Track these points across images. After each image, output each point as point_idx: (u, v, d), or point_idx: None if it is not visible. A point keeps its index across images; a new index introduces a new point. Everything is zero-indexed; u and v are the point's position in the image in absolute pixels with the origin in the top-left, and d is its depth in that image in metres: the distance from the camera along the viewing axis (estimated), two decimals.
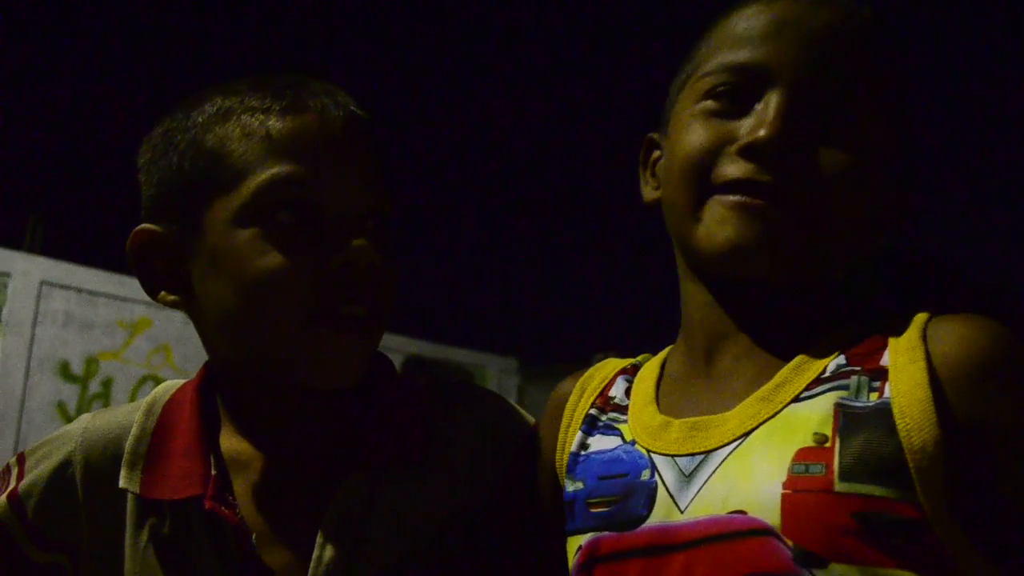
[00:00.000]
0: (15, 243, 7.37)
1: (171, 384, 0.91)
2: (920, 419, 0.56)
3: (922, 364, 0.59)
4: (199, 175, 0.76)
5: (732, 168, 0.65)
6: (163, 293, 0.84)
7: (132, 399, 7.70)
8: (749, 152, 0.64)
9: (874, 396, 0.60)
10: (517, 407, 0.90)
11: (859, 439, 0.58)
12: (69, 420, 7.14)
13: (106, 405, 7.34)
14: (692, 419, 0.66)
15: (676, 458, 0.65)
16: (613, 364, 0.79)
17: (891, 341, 0.62)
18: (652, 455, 0.66)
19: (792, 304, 0.69)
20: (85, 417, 0.88)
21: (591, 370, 0.80)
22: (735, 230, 0.63)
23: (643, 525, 0.63)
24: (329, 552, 0.73)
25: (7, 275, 6.94)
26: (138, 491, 0.79)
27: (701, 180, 0.67)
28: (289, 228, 0.73)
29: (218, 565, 0.75)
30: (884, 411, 0.58)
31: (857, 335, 0.66)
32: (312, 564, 0.73)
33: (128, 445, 0.81)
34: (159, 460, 0.80)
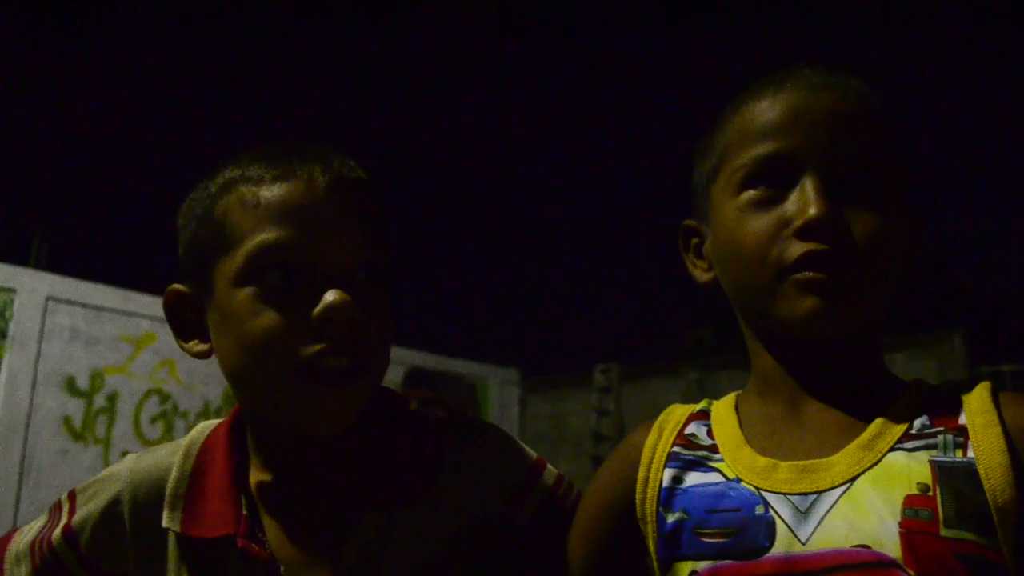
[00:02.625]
0: (21, 259, 7.43)
1: (206, 425, 0.97)
2: (1002, 482, 0.67)
3: (998, 430, 0.70)
4: (209, 241, 0.84)
5: (795, 248, 0.75)
6: (192, 343, 0.92)
7: (137, 413, 7.73)
8: (805, 232, 0.74)
9: (959, 453, 0.71)
10: (520, 442, 0.96)
11: (955, 491, 0.68)
12: (75, 434, 7.17)
13: (111, 419, 7.52)
14: (801, 462, 0.75)
15: (789, 496, 0.73)
16: (681, 409, 0.88)
17: (964, 400, 0.75)
18: (762, 492, 0.74)
19: (859, 354, 0.80)
20: (130, 458, 0.95)
21: (662, 415, 0.88)
22: (813, 302, 0.74)
23: (767, 555, 0.71)
24: None
25: (13, 291, 7.02)
26: (179, 530, 0.85)
27: (768, 264, 0.77)
28: (277, 288, 0.79)
29: None
30: (971, 470, 0.69)
31: (928, 394, 0.79)
32: None
33: (169, 487, 0.88)
34: (196, 500, 0.86)
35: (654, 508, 0.80)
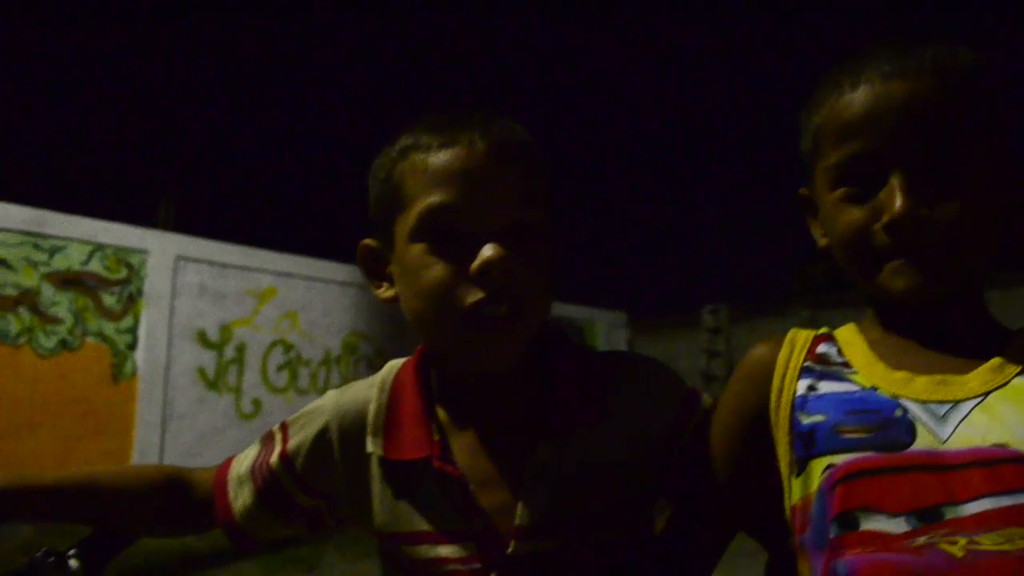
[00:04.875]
0: (150, 221, 7.80)
1: (395, 364, 1.09)
2: None
3: None
4: (388, 201, 0.96)
5: (884, 239, 0.84)
6: (382, 290, 1.03)
7: (264, 363, 8.13)
8: (891, 228, 0.83)
9: None
10: (673, 371, 1.06)
11: None
12: (209, 383, 7.61)
13: (241, 369, 7.95)
14: (937, 376, 0.84)
15: (927, 404, 0.82)
16: (805, 332, 0.97)
17: None
18: (900, 399, 0.83)
19: (966, 306, 0.89)
20: (332, 393, 1.07)
21: (789, 334, 0.96)
22: (905, 282, 0.83)
23: (909, 449, 0.80)
24: (531, 499, 0.91)
25: (146, 252, 7.38)
26: (381, 454, 0.97)
27: (864, 254, 0.87)
28: (442, 245, 0.90)
29: (446, 508, 0.93)
30: None
31: None
32: (519, 509, 0.91)
33: (370, 417, 0.99)
34: (394, 428, 0.98)
35: (788, 413, 0.88)
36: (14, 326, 6.45)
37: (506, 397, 0.98)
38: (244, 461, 1.07)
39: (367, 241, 1.02)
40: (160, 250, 7.42)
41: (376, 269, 1.02)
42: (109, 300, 6.99)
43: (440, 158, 0.91)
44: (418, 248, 0.91)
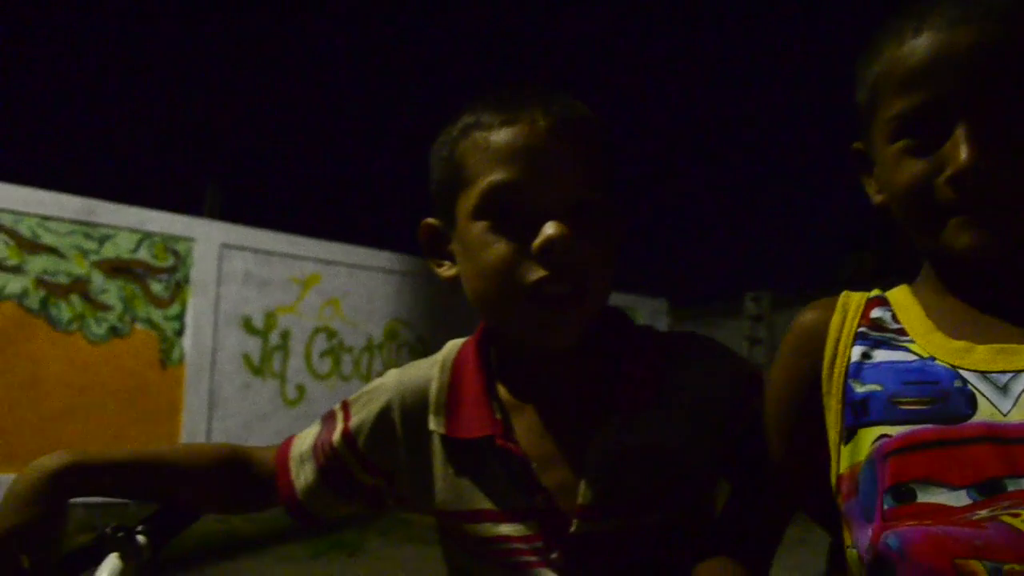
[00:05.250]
0: (196, 209, 7.93)
1: (455, 343, 1.09)
2: None
3: None
4: (450, 180, 0.96)
5: (948, 194, 0.80)
6: (443, 269, 1.02)
7: (308, 349, 8.20)
8: (955, 181, 0.79)
9: None
10: (734, 351, 1.06)
11: None
12: (254, 369, 7.72)
13: (286, 355, 8.04)
14: (997, 345, 0.81)
15: (987, 374, 0.79)
16: (857, 295, 0.94)
17: None
18: (959, 370, 0.80)
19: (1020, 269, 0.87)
20: (393, 372, 1.06)
21: (841, 298, 0.93)
22: (969, 239, 0.80)
23: (969, 421, 0.77)
24: (594, 478, 0.91)
25: (192, 240, 7.49)
26: (444, 432, 0.97)
27: (927, 208, 0.83)
28: (504, 223, 0.90)
29: (508, 487, 0.93)
30: None
31: None
32: (581, 487, 0.91)
33: (432, 396, 1.00)
34: (456, 407, 0.98)
35: (842, 381, 0.86)
36: (66, 313, 6.61)
37: (568, 375, 0.98)
38: (306, 439, 1.07)
39: (428, 220, 1.02)
40: (206, 238, 7.53)
41: (437, 248, 1.02)
42: (157, 287, 7.11)
43: (502, 136, 0.90)
44: (480, 226, 0.91)
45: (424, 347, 8.75)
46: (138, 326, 6.97)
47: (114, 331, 6.84)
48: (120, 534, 0.90)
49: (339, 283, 8.32)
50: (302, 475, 1.05)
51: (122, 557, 0.89)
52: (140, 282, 7.02)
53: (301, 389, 7.92)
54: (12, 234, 6.44)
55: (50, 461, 0.92)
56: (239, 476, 1.06)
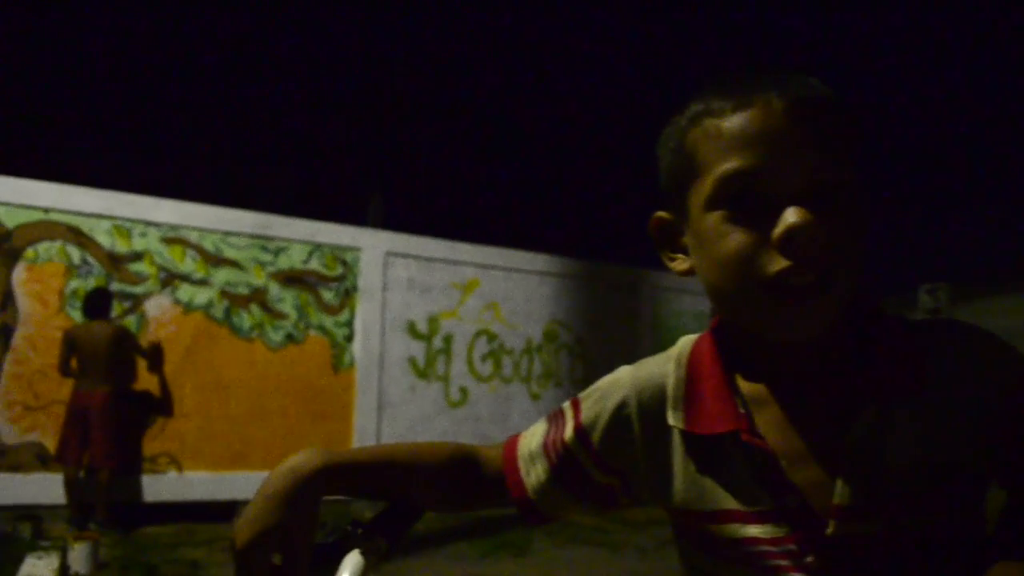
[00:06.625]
0: (360, 219, 8.24)
1: (688, 338, 1.06)
2: None
3: None
4: (681, 171, 0.92)
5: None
6: (675, 263, 1.00)
7: (469, 352, 8.36)
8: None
9: None
10: (1006, 341, 0.95)
11: None
12: (419, 372, 7.93)
13: (449, 359, 8.24)
14: None
15: None
16: None
17: None
18: None
19: None
20: (626, 369, 1.05)
21: None
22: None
23: None
24: (851, 475, 0.86)
25: (359, 249, 7.81)
26: (683, 427, 0.93)
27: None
28: (741, 213, 0.86)
29: (755, 486, 0.90)
30: None
31: None
32: (838, 486, 0.86)
33: (670, 391, 0.97)
34: (695, 402, 0.94)
35: None
36: (247, 321, 7.04)
37: (814, 367, 0.92)
38: (533, 438, 1.06)
39: (659, 213, 0.99)
40: (371, 247, 7.82)
41: (669, 241, 0.99)
42: (328, 295, 7.46)
43: (735, 121, 0.86)
44: (715, 216, 0.87)
45: (583, 348, 8.78)
46: (312, 333, 7.32)
47: (290, 338, 7.22)
48: (360, 531, 0.92)
49: (498, 287, 8.46)
50: (533, 474, 1.04)
51: (363, 554, 0.90)
52: (312, 291, 7.38)
53: (464, 391, 8.10)
54: (199, 249, 6.92)
55: (304, 463, 0.92)
56: (469, 475, 1.05)
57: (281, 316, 7.20)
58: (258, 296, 7.11)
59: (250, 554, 0.86)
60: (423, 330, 8.00)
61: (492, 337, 8.33)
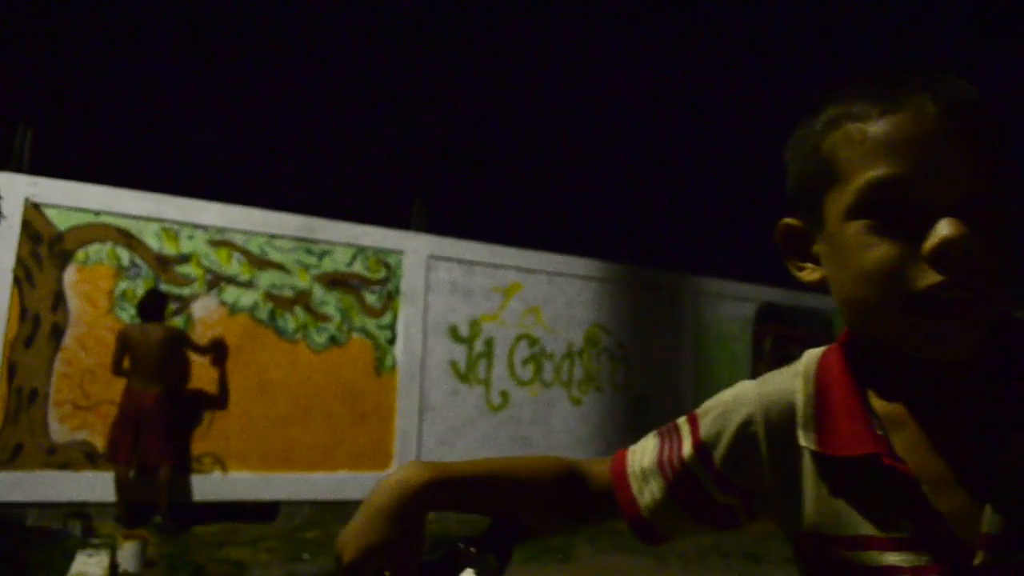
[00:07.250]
0: (403, 223, 8.28)
1: (814, 352, 1.01)
2: None
3: None
4: (817, 176, 0.87)
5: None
6: (804, 273, 0.94)
7: (511, 356, 8.36)
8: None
9: None
10: None
11: None
12: (461, 376, 7.95)
13: (490, 362, 8.24)
14: None
15: None
16: None
17: None
18: None
19: None
20: (750, 384, 0.99)
21: None
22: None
23: None
24: (1003, 503, 0.80)
25: (402, 252, 7.88)
26: (816, 448, 0.88)
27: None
28: (887, 223, 0.80)
29: (894, 511, 0.85)
30: None
31: None
32: (987, 514, 0.80)
33: (799, 409, 0.91)
34: (826, 421, 0.89)
35: None
36: (291, 324, 7.12)
37: (957, 387, 0.86)
38: (644, 454, 1.02)
39: (788, 220, 0.94)
40: (414, 250, 7.88)
41: (798, 249, 0.93)
42: (371, 298, 7.52)
43: (882, 126, 0.81)
44: (857, 226, 0.82)
45: (624, 353, 8.74)
46: (355, 335, 7.38)
47: (333, 340, 7.28)
48: (473, 549, 0.89)
49: (540, 291, 8.45)
50: (647, 492, 1.00)
51: (478, 574, 0.88)
52: (355, 293, 7.44)
53: (505, 395, 8.10)
54: (244, 252, 7.01)
55: (411, 477, 0.90)
56: (576, 492, 1.02)
57: (324, 318, 7.26)
58: (302, 298, 7.18)
59: (358, 570, 0.84)
60: (465, 333, 8.02)
61: (533, 341, 8.32)
